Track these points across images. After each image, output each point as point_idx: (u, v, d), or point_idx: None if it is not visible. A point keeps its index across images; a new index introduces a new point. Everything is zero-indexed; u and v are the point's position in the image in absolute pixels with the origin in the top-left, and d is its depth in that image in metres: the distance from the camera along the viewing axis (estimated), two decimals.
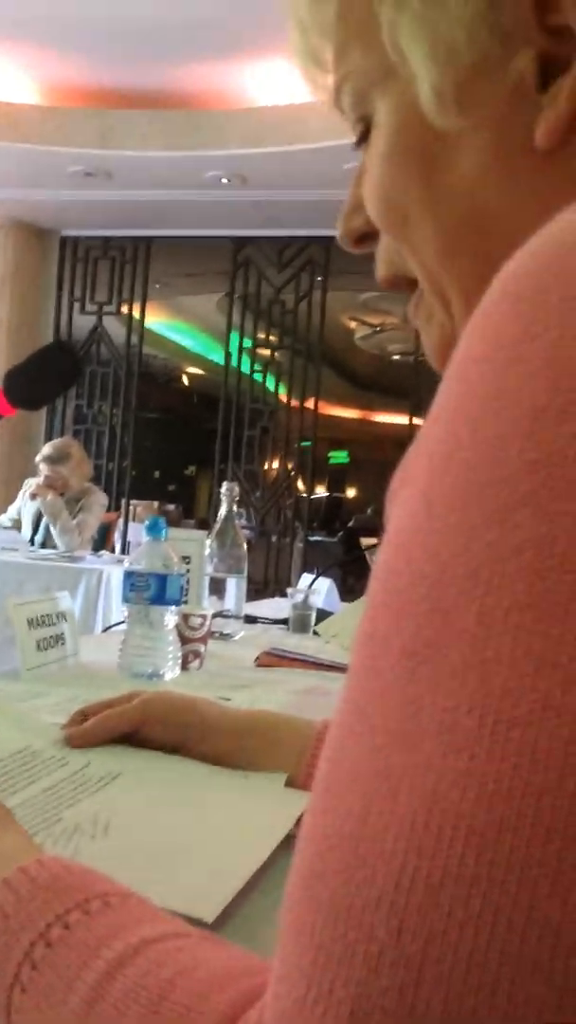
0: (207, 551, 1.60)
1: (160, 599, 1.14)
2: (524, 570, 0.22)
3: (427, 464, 0.26)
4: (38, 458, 4.05)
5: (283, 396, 6.11)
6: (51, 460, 3.96)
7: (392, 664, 0.24)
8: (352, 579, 7.14)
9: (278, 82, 4.56)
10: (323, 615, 1.73)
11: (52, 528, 3.96)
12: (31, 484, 4.05)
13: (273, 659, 1.34)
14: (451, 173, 0.38)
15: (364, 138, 0.43)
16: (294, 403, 6.00)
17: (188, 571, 1.46)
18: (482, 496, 0.24)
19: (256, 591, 5.34)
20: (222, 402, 6.13)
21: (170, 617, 1.17)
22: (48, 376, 0.74)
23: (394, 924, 0.21)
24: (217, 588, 1.62)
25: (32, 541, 3.99)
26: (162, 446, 10.90)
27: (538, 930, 0.20)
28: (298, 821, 0.60)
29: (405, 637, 0.24)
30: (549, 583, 0.22)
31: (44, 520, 4.01)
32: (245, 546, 1.66)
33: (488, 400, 0.24)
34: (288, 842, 0.56)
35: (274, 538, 6.03)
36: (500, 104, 0.37)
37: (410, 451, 0.28)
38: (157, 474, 11.52)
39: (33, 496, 3.99)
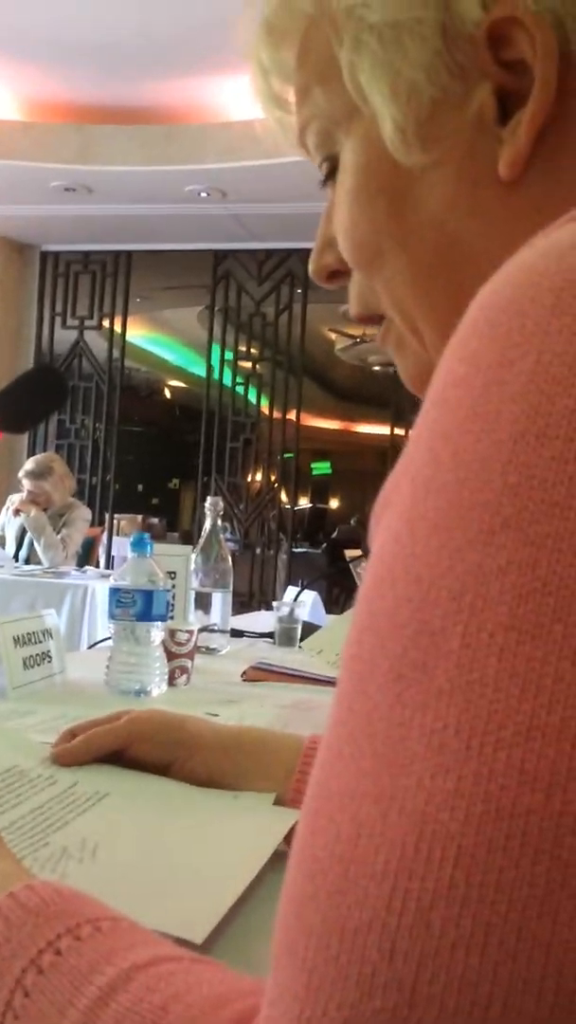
0: (192, 566, 1.60)
1: (146, 615, 1.14)
2: (507, 592, 0.23)
3: (410, 487, 0.26)
4: (20, 473, 4.04)
5: (265, 408, 6.12)
6: (33, 475, 3.94)
7: (379, 686, 0.24)
8: (337, 591, 7.15)
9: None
10: (308, 628, 1.73)
11: (36, 544, 3.94)
12: (14, 500, 4.03)
13: (260, 673, 1.34)
14: (419, 208, 0.39)
15: (331, 176, 0.43)
16: (276, 415, 6.00)
17: (174, 586, 1.45)
18: (464, 519, 0.24)
19: (241, 604, 5.33)
20: (204, 415, 6.13)
21: (156, 633, 1.16)
22: (34, 400, 0.74)
23: (386, 946, 0.22)
24: (203, 603, 1.62)
25: (16, 557, 3.96)
26: (145, 459, 10.88)
27: (529, 949, 0.20)
28: (286, 838, 0.60)
29: (391, 659, 0.24)
30: (531, 605, 0.22)
31: (28, 536, 3.99)
32: (230, 560, 1.66)
33: (468, 423, 0.25)
34: (276, 859, 0.56)
35: (258, 550, 6.02)
36: (462, 138, 0.37)
37: (393, 473, 0.28)
38: (140, 487, 11.48)
39: (16, 512, 3.97)
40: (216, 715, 1.02)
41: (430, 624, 0.24)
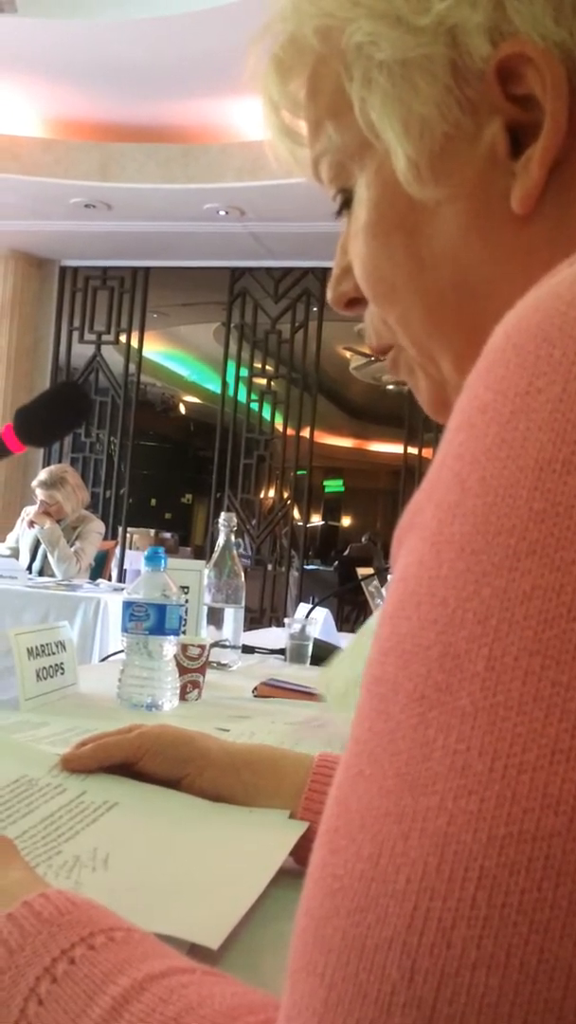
0: (205, 581, 1.60)
1: (159, 629, 1.14)
2: (532, 617, 0.23)
3: (435, 511, 0.26)
4: (33, 483, 4.06)
5: (279, 425, 6.14)
6: (45, 485, 3.96)
7: (402, 707, 0.25)
8: (348, 608, 7.13)
9: None
10: (320, 645, 1.73)
11: (50, 556, 3.96)
12: (29, 512, 4.05)
13: (271, 690, 1.34)
14: (433, 242, 0.39)
15: (346, 207, 0.44)
16: (290, 432, 6.02)
17: (187, 601, 1.46)
18: (491, 544, 0.24)
19: (252, 620, 5.33)
20: (219, 431, 6.15)
21: (169, 647, 1.17)
22: (59, 415, 0.75)
23: (406, 965, 0.22)
24: (215, 618, 1.62)
25: (30, 569, 3.98)
26: (159, 474, 10.92)
27: (550, 971, 0.21)
28: (292, 853, 0.60)
29: (415, 681, 0.25)
30: (557, 630, 0.22)
31: (42, 548, 4.01)
32: (243, 576, 1.66)
33: (495, 450, 0.25)
34: (284, 875, 0.56)
35: (270, 567, 6.02)
36: (475, 173, 0.38)
37: (415, 497, 0.28)
38: (154, 502, 11.52)
39: (31, 524, 3.99)
40: (227, 730, 1.02)
41: (455, 646, 0.24)
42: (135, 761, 0.73)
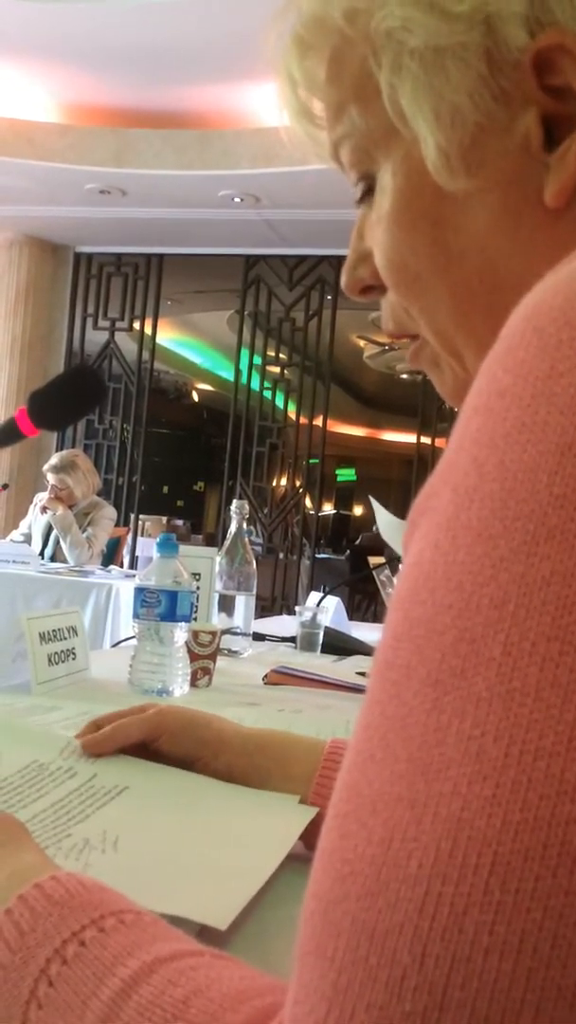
0: (217, 568, 1.60)
1: (170, 616, 1.14)
2: (550, 603, 0.23)
3: (451, 495, 0.26)
4: (45, 467, 4.07)
5: (292, 413, 6.13)
6: (56, 469, 3.97)
7: (415, 692, 0.24)
8: (360, 597, 7.13)
9: None
10: (331, 634, 1.73)
11: (62, 542, 3.97)
12: (42, 498, 4.06)
13: (281, 677, 1.34)
14: (460, 233, 0.39)
15: (367, 195, 0.43)
16: (303, 420, 6.01)
17: (198, 588, 1.46)
18: (509, 528, 0.24)
19: (263, 608, 5.34)
20: (231, 418, 6.15)
21: (180, 634, 1.17)
22: (72, 399, 0.75)
23: (417, 949, 0.22)
24: (226, 605, 1.62)
25: (42, 555, 3.99)
26: (171, 462, 10.93)
27: (564, 958, 0.20)
28: (302, 838, 0.61)
29: (429, 666, 0.24)
30: (575, 615, 0.22)
31: (54, 534, 4.02)
32: (254, 564, 1.66)
33: (515, 434, 0.25)
34: (291, 860, 0.57)
35: (281, 555, 6.02)
36: (507, 164, 0.37)
37: (430, 481, 0.28)
38: (166, 489, 11.53)
39: (44, 510, 4.00)
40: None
41: (471, 631, 0.24)
42: (153, 740, 0.73)
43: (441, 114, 0.38)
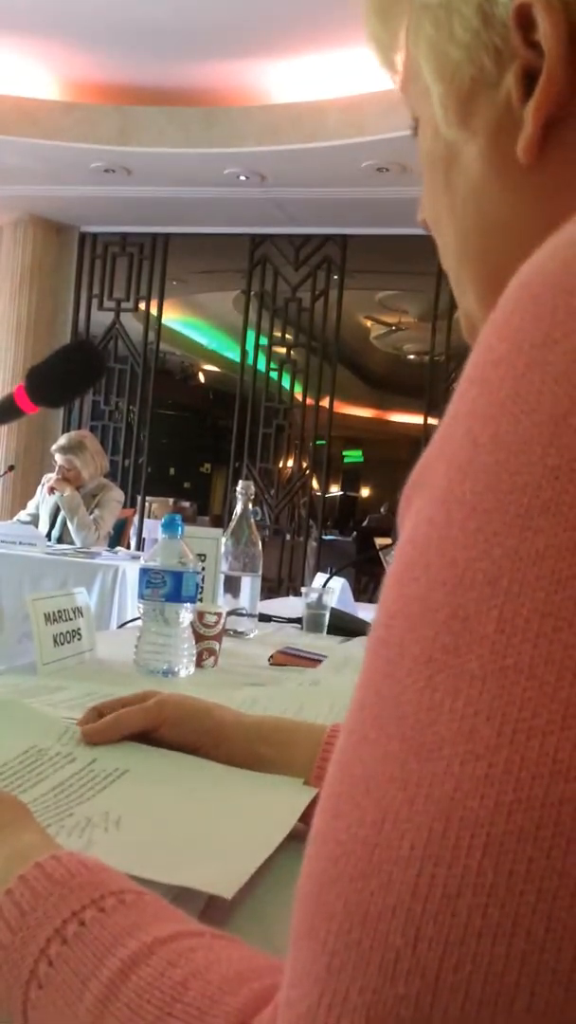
0: (222, 549, 1.60)
1: (176, 596, 1.15)
2: (544, 578, 0.22)
3: (445, 469, 0.26)
4: (53, 448, 4.07)
5: (298, 394, 6.11)
6: (64, 449, 3.97)
7: (408, 671, 0.24)
8: (366, 579, 7.13)
9: (295, 79, 4.56)
10: (336, 615, 1.73)
11: (69, 523, 3.98)
12: (49, 479, 4.06)
13: (287, 658, 1.35)
14: (461, 180, 0.41)
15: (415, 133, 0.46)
16: (309, 401, 5.99)
17: (203, 569, 1.46)
18: (503, 502, 0.23)
19: (270, 589, 5.35)
20: (238, 400, 6.13)
21: (185, 614, 1.17)
22: (71, 375, 0.74)
23: (410, 932, 0.21)
24: (232, 586, 1.62)
25: (49, 536, 4.00)
26: (178, 443, 10.92)
27: (558, 940, 0.20)
28: (303, 818, 0.61)
29: (422, 643, 0.24)
30: (570, 591, 0.22)
31: (61, 515, 4.03)
32: (260, 545, 1.66)
33: (509, 404, 0.24)
34: (293, 839, 0.57)
35: (288, 536, 6.02)
36: (493, 117, 0.39)
37: (426, 453, 0.28)
38: (172, 471, 11.54)
39: (51, 491, 4.00)
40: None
41: (464, 608, 0.23)
42: (153, 730, 0.73)
43: (443, 68, 0.40)
